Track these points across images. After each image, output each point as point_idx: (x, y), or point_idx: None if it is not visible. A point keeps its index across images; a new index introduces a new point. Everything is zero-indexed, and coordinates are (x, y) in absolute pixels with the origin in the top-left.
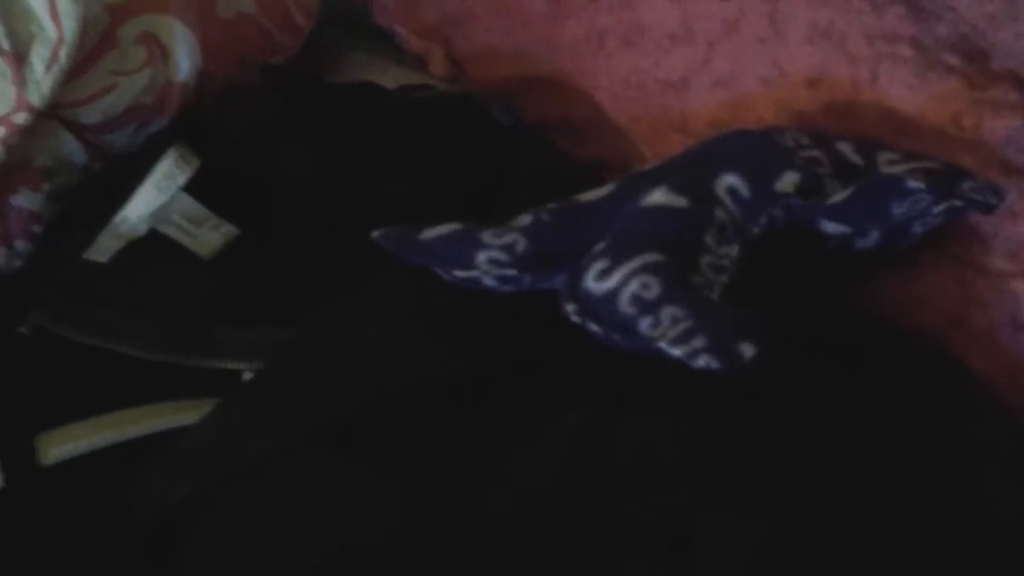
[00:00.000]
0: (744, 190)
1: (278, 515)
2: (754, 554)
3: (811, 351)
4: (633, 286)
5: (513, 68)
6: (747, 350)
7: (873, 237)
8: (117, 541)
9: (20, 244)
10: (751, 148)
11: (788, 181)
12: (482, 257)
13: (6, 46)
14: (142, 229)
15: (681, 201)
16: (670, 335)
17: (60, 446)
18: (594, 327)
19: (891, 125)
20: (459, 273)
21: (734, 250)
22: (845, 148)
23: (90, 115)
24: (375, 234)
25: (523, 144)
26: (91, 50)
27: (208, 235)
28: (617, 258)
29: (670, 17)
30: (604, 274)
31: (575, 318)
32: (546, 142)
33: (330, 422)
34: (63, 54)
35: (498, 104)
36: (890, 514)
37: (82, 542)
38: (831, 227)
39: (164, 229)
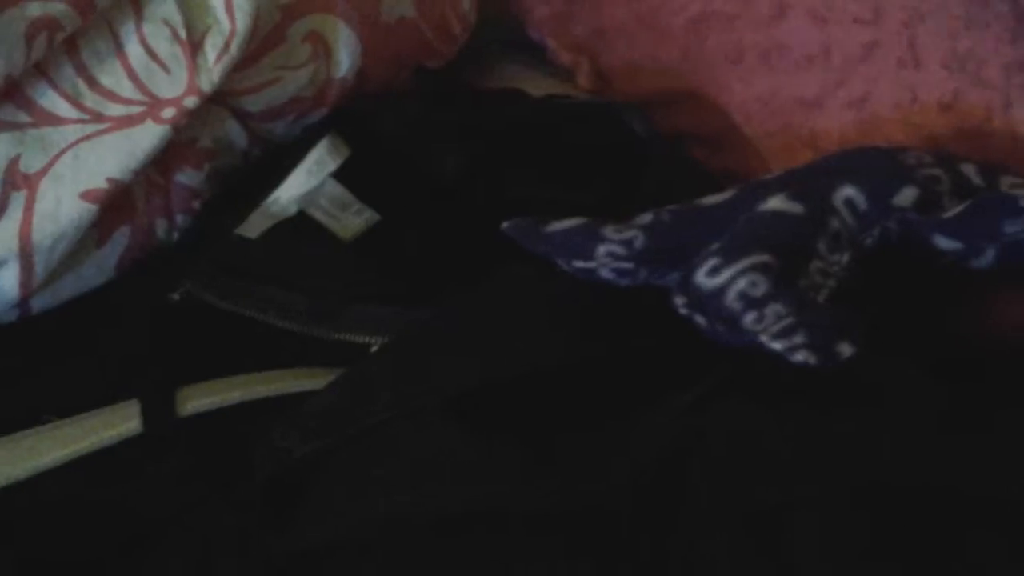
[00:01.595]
0: (861, 202)
1: (394, 476)
2: (851, 563)
3: (918, 363)
4: (741, 283)
5: (654, 82)
6: (845, 350)
7: (989, 256)
8: (238, 492)
9: (180, 218)
10: (872, 163)
11: (906, 196)
12: (601, 250)
13: (183, 35)
14: (291, 210)
15: (797, 208)
16: (772, 330)
17: (197, 400)
18: (700, 320)
19: (1021, 152)
20: (578, 264)
21: (844, 258)
22: (968, 170)
23: (254, 104)
24: (505, 224)
25: (656, 152)
26: (260, 44)
27: (351, 219)
28: (729, 257)
29: (811, 39)
30: (715, 271)
31: (683, 311)
32: (679, 152)
33: (450, 394)
34: (234, 45)
35: (635, 114)
36: (992, 539)
37: (208, 489)
38: (944, 243)
39: (311, 211)
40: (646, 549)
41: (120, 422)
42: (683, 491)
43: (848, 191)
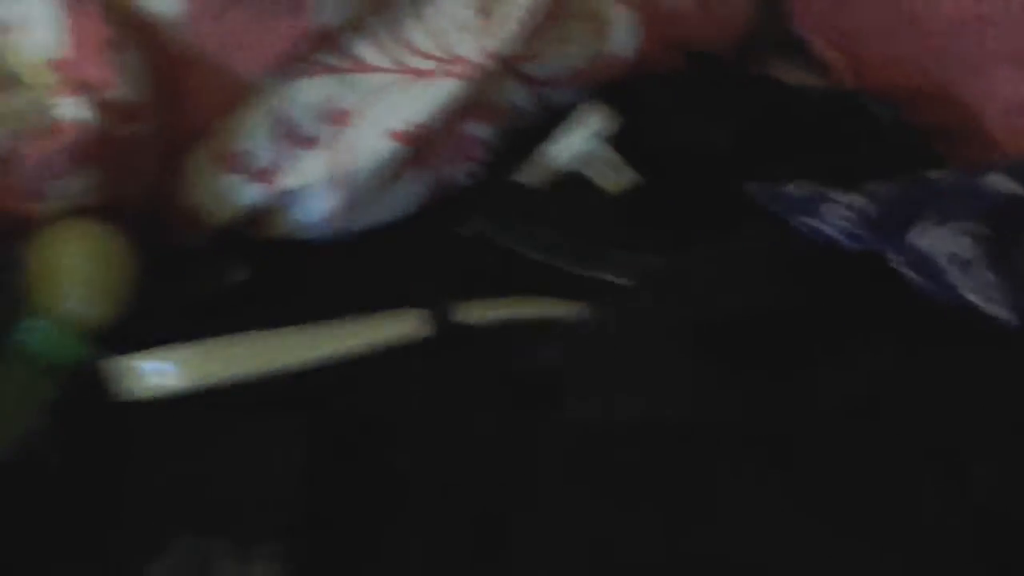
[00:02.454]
0: None
1: (629, 391)
2: None
3: None
4: (953, 246)
5: (907, 78)
6: None
7: None
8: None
9: (471, 164)
10: None
11: None
12: (829, 210)
13: (479, 4)
14: (567, 167)
15: (1015, 187)
16: (977, 288)
17: (474, 312)
18: (912, 275)
19: None
20: (806, 221)
21: None
22: None
23: (539, 71)
24: (750, 185)
25: (899, 139)
26: (547, 19)
27: (618, 179)
28: (944, 220)
29: None
30: (929, 233)
31: (898, 267)
32: (921, 140)
33: (684, 327)
34: (522, 16)
35: (884, 106)
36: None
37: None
38: None
39: (584, 169)
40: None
41: (407, 325)
42: (876, 436)
43: None
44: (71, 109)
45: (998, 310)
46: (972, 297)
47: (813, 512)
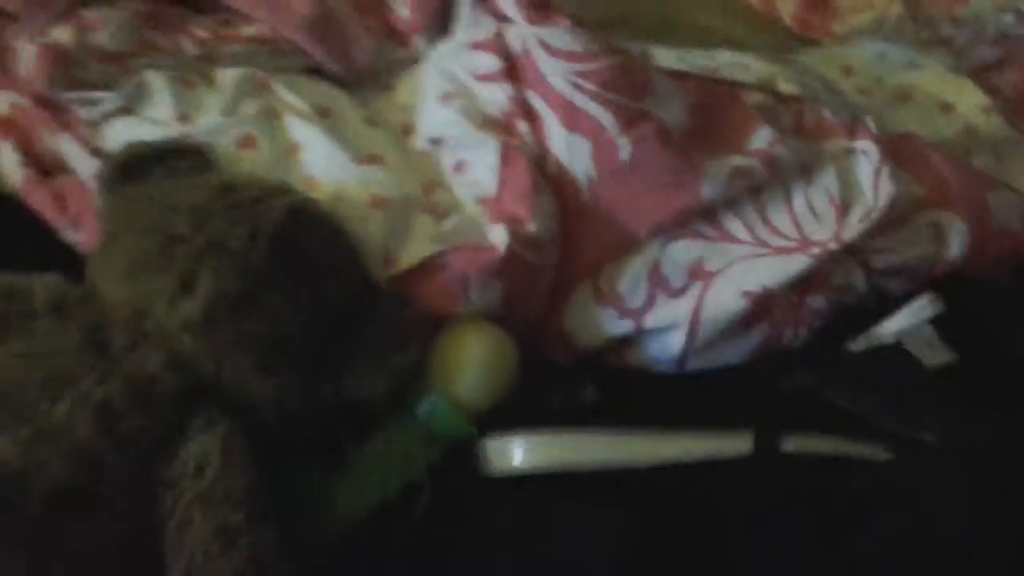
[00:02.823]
0: None
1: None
2: None
3: None
4: None
5: None
6: None
7: None
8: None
9: (802, 332)
10: None
11: None
12: None
13: (837, 200)
14: (890, 339)
15: None
16: None
17: (798, 443)
18: None
19: None
20: None
21: None
22: None
23: (880, 262)
24: None
25: None
26: (892, 221)
27: (935, 357)
28: None
29: None
30: None
31: None
32: None
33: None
34: (873, 216)
35: None
36: None
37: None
38: None
39: (906, 343)
40: None
41: (732, 443)
42: None
43: None
44: (496, 235)
45: None
46: None
47: None
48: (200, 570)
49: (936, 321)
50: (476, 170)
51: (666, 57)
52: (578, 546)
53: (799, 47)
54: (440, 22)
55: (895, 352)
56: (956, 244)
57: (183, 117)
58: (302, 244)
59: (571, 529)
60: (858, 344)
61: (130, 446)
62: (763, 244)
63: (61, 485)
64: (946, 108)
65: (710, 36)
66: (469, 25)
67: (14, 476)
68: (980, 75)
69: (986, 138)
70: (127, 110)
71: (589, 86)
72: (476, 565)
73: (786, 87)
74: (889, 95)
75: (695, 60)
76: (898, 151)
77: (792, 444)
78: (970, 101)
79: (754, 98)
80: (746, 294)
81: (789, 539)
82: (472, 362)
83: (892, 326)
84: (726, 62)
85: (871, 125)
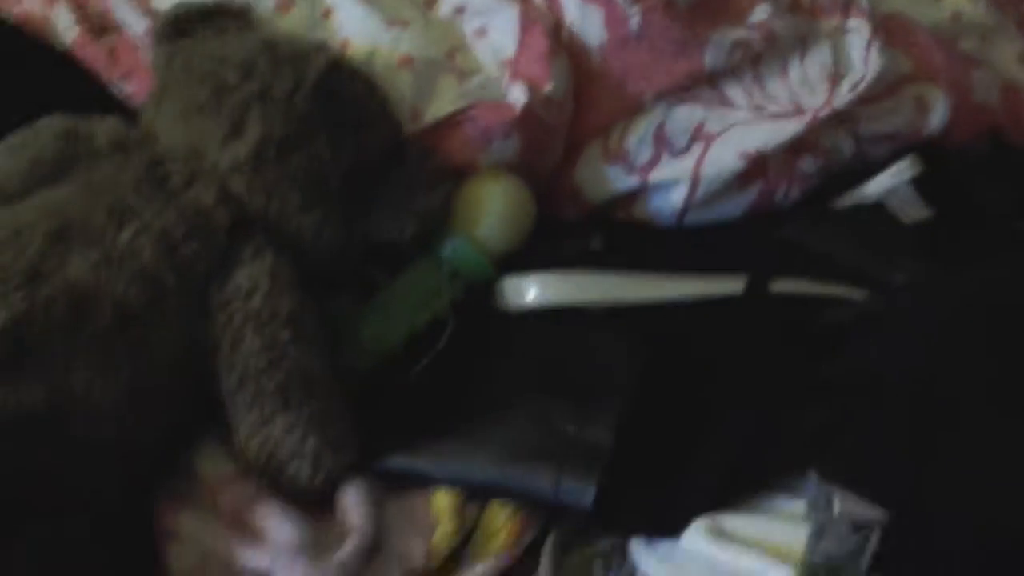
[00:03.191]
0: None
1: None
2: None
3: None
4: None
5: None
6: None
7: None
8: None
9: (793, 191)
10: None
11: None
12: None
13: (830, 71)
14: (872, 199)
15: None
16: None
17: (784, 285)
18: None
19: None
20: None
21: None
22: None
23: (865, 131)
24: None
25: None
26: (880, 92)
27: (913, 213)
28: None
29: None
30: None
31: None
32: None
33: (953, 311)
34: (862, 86)
35: None
36: None
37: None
38: None
39: (887, 201)
40: None
41: (726, 285)
42: None
43: None
44: (515, 93)
45: None
46: None
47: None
48: (251, 381)
49: (916, 182)
50: (497, 35)
51: None
52: (601, 355)
53: None
54: None
55: (875, 209)
56: (938, 115)
57: None
58: (340, 94)
59: (591, 345)
60: (843, 202)
61: (187, 271)
62: (760, 110)
63: (128, 302)
64: None
65: None
66: None
67: (86, 294)
68: None
69: (972, 22)
70: None
71: None
72: (502, 379)
73: None
74: None
75: None
76: (889, 29)
77: (778, 286)
78: None
79: None
80: (743, 155)
81: (773, 365)
82: (492, 209)
83: (874, 186)
84: None
85: (864, 3)
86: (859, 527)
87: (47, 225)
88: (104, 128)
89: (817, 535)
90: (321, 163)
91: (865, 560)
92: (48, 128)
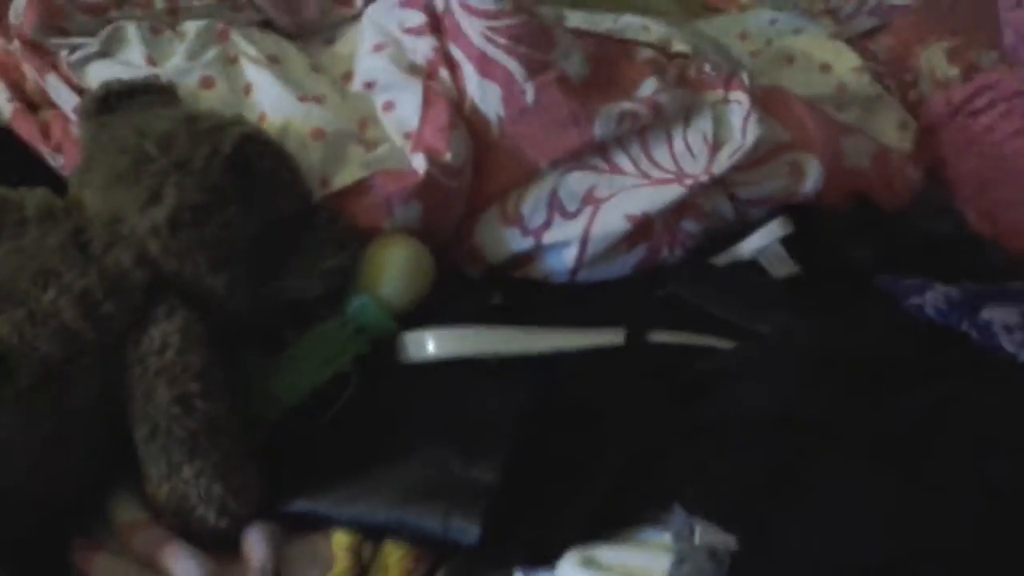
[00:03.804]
0: None
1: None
2: None
3: None
4: (1006, 317)
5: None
6: None
7: None
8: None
9: (678, 249)
10: None
11: None
12: (929, 295)
13: (710, 140)
14: (746, 257)
15: None
16: (1014, 344)
17: (660, 336)
18: (973, 333)
19: None
20: (913, 301)
21: None
22: None
23: (743, 193)
24: (880, 278)
25: (999, 269)
26: (757, 159)
27: (783, 269)
28: (1003, 304)
29: None
30: (992, 310)
31: (968, 331)
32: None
33: (814, 357)
34: (740, 154)
35: (993, 248)
36: None
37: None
38: None
39: (760, 259)
40: None
41: (608, 337)
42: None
43: None
44: (417, 162)
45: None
46: (1010, 348)
47: (886, 481)
48: (161, 432)
49: (786, 241)
50: (402, 109)
51: (575, 19)
52: (490, 402)
53: (707, 15)
54: None
55: (749, 266)
56: (811, 180)
57: (152, 61)
58: (253, 165)
59: (482, 393)
60: (721, 260)
61: (106, 328)
62: (645, 176)
63: (50, 358)
64: (824, 68)
65: (630, 4)
66: None
67: (10, 351)
68: (859, 40)
69: (856, 94)
70: (104, 54)
71: (501, 40)
72: (401, 427)
73: (678, 46)
74: (776, 56)
75: (601, 22)
76: (767, 100)
77: (656, 337)
78: (845, 62)
79: (645, 54)
80: (629, 217)
81: (650, 409)
82: (394, 269)
83: (748, 245)
84: (628, 24)
85: (745, 79)
86: (716, 555)
87: None
88: (33, 198)
89: (678, 563)
90: (233, 229)
91: None
92: None
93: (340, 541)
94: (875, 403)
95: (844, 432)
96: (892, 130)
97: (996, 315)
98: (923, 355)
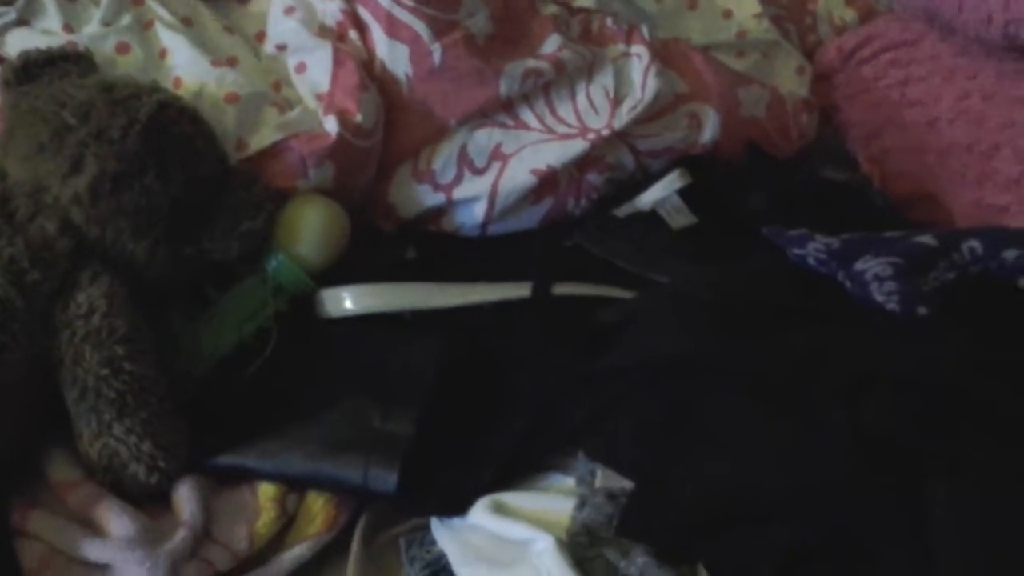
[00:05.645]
0: (979, 249)
1: (664, 337)
2: None
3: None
4: (878, 268)
5: (910, 185)
6: (921, 311)
7: None
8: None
9: (583, 200)
10: (999, 231)
11: (1012, 253)
12: (810, 246)
13: (611, 95)
14: (647, 208)
15: (933, 242)
16: (883, 293)
17: (564, 289)
18: (848, 284)
19: None
20: (796, 251)
21: (952, 275)
22: None
23: (643, 145)
24: (766, 228)
25: (885, 216)
26: (656, 112)
27: (681, 219)
28: (877, 255)
29: (1014, 170)
30: (866, 260)
31: (843, 281)
32: (900, 218)
33: (705, 303)
34: (640, 108)
35: (879, 195)
36: None
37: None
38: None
39: (659, 210)
40: None
41: (516, 290)
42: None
43: (973, 242)
44: (329, 124)
45: (893, 306)
46: (880, 298)
47: (762, 416)
48: (91, 393)
49: (683, 192)
50: (314, 71)
51: None
52: (407, 357)
53: None
54: None
55: (648, 217)
56: (709, 130)
57: (69, 28)
58: (170, 132)
59: (398, 348)
60: (623, 211)
61: (33, 294)
62: (550, 131)
63: None
64: (726, 14)
65: None
66: None
67: None
68: None
69: (756, 40)
70: (22, 22)
71: (407, 1)
72: (321, 381)
73: (582, 1)
74: (679, 3)
75: None
76: (666, 53)
77: (561, 289)
78: (746, 8)
79: (550, 10)
80: (535, 171)
81: (554, 359)
82: (310, 228)
83: (649, 196)
84: None
85: (645, 32)
86: (615, 497)
87: None
88: None
89: (580, 506)
90: (152, 195)
91: (613, 525)
92: None
93: (266, 492)
94: (760, 346)
95: (733, 373)
96: (790, 75)
97: (869, 266)
98: (804, 301)
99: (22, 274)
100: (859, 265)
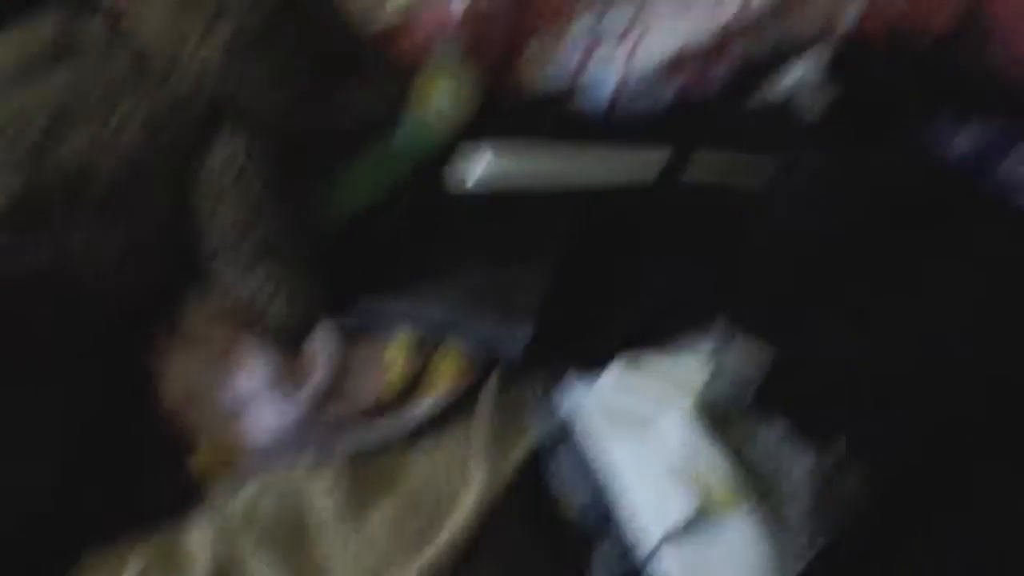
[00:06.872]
0: None
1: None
2: None
3: None
4: None
5: None
6: None
7: None
8: None
9: (717, 83)
10: None
11: None
12: (957, 140)
13: None
14: (783, 94)
15: None
16: None
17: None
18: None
19: None
20: (940, 139)
21: None
22: None
23: (777, 29)
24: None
25: None
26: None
27: (819, 99)
28: None
29: None
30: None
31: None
32: None
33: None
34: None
35: None
36: None
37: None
38: None
39: (796, 93)
40: None
41: (655, 156)
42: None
43: None
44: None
45: None
46: None
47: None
48: (230, 245)
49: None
50: None
51: None
52: (540, 222)
53: None
54: None
55: (781, 107)
56: (851, 19)
57: None
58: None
59: (530, 215)
60: (760, 94)
61: (168, 153)
62: (684, 12)
63: (116, 178)
64: None
65: None
66: None
67: (82, 168)
68: None
69: None
70: None
71: None
72: (454, 243)
73: None
74: None
75: None
76: None
77: (699, 159)
78: None
79: None
80: (666, 52)
81: (690, 229)
82: (440, 99)
83: (790, 76)
84: None
85: None
86: (749, 368)
87: (49, 107)
88: (92, 24)
89: (714, 376)
90: (289, 53)
91: (751, 393)
92: (43, 23)
93: (399, 346)
94: (896, 234)
95: (870, 257)
96: None
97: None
98: (944, 194)
99: (157, 133)
100: (1008, 164)
